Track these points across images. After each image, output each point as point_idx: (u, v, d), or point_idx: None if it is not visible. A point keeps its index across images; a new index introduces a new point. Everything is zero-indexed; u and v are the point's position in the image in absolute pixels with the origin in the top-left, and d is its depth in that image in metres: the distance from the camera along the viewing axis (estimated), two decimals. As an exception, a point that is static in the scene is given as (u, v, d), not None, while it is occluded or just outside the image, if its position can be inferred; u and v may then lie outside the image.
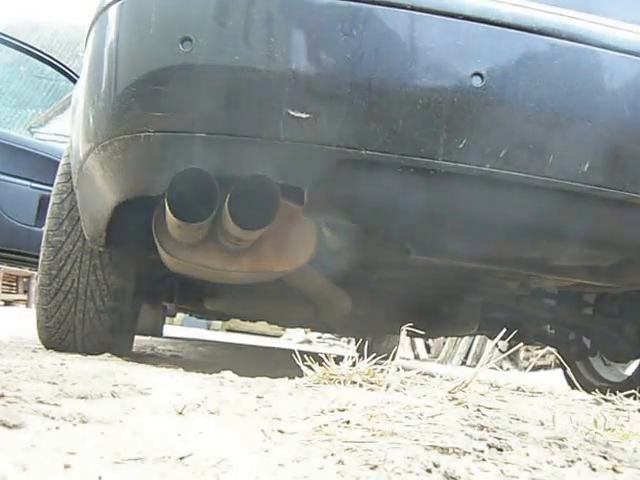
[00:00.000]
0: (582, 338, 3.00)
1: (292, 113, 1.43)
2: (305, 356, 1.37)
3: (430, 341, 8.57)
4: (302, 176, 1.51)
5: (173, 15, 1.46)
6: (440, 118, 1.45)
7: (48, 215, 2.12)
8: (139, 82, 1.46)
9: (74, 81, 3.97)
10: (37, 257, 2.15)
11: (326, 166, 1.48)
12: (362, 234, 1.77)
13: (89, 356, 1.94)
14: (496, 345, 1.67)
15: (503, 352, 1.79)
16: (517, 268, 1.96)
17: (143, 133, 1.48)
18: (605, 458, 0.82)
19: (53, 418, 0.87)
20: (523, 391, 1.62)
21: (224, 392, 1.31)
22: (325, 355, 1.37)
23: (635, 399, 1.61)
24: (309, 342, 10.94)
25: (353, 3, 1.43)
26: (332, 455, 0.77)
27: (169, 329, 5.54)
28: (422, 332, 1.52)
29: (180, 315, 6.74)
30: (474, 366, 6.24)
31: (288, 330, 10.72)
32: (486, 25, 1.46)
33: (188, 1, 1.45)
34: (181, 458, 0.73)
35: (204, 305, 3.03)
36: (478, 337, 7.55)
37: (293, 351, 1.45)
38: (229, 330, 10.48)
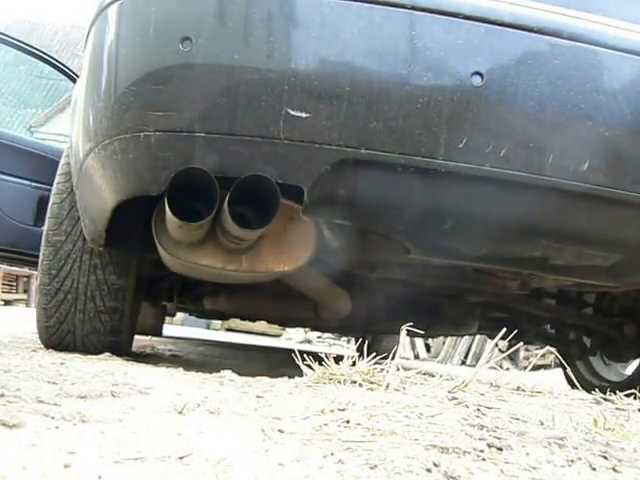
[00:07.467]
0: (582, 338, 3.01)
1: (292, 112, 1.43)
2: (305, 356, 1.37)
3: (430, 341, 8.57)
4: (302, 176, 1.51)
5: (173, 15, 1.46)
6: (440, 117, 1.45)
7: (48, 215, 2.12)
8: (139, 82, 1.46)
9: (74, 81, 3.96)
10: (37, 257, 2.15)
11: (326, 166, 1.48)
12: (362, 234, 1.77)
13: (89, 356, 1.94)
14: (496, 345, 1.67)
15: (503, 352, 1.79)
16: (517, 268, 1.96)
17: (143, 133, 1.48)
18: (605, 458, 0.82)
19: (53, 418, 0.87)
20: (523, 391, 1.62)
21: (224, 392, 1.31)
22: (325, 355, 1.37)
23: (635, 399, 1.61)
24: (309, 342, 10.95)
25: (353, 3, 1.43)
26: (332, 455, 0.77)
27: (169, 329, 5.54)
28: (422, 332, 1.52)
29: (180, 315, 6.74)
30: (474, 366, 6.24)
31: (288, 330, 10.73)
32: (486, 24, 1.46)
33: (188, 1, 1.45)
34: (181, 458, 0.72)
35: (204, 304, 3.04)
36: (478, 337, 7.55)
37: (293, 350, 1.45)
38: (229, 329, 10.49)
